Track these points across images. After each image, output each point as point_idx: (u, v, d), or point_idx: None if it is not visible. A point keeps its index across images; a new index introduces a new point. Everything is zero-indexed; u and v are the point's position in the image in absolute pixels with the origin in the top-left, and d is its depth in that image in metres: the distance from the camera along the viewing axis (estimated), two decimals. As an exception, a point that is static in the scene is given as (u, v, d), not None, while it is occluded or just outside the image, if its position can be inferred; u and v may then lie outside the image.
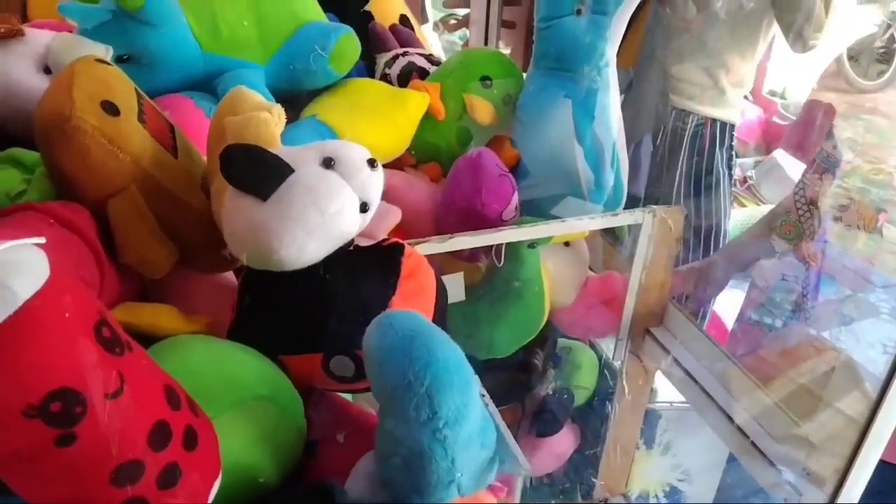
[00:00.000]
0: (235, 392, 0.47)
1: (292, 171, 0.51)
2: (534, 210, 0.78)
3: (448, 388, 0.41)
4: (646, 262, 0.79)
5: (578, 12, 0.76)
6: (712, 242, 1.49)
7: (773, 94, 3.58)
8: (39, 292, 0.31)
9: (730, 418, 0.74)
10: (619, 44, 0.79)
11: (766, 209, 3.01)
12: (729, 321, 1.69)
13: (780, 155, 3.15)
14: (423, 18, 1.57)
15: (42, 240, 0.33)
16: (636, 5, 0.77)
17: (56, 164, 0.50)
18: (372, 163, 0.54)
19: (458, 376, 0.42)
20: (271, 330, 0.53)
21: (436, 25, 2.06)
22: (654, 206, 0.76)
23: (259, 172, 0.51)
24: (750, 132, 3.44)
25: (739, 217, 3.04)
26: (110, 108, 0.51)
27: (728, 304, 1.49)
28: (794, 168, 3.07)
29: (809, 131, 1.31)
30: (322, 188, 0.51)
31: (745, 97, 3.47)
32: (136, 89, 0.56)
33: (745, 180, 3.25)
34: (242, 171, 0.50)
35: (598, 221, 0.75)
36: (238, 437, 0.45)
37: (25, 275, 0.31)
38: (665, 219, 0.77)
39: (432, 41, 1.53)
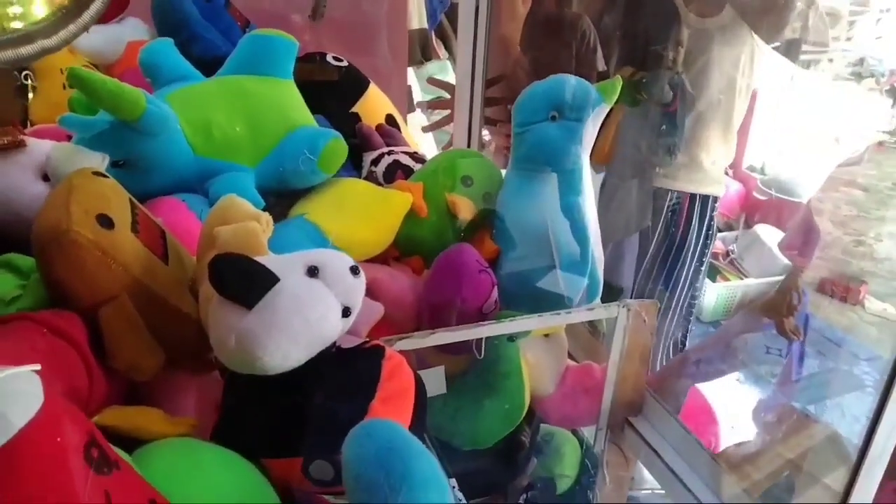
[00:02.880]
0: (222, 494, 0.48)
1: (278, 279, 0.53)
2: (517, 281, 0.81)
3: (422, 502, 0.42)
4: (622, 353, 0.81)
5: (553, 118, 0.81)
6: (682, 316, 1.52)
7: (752, 169, 3.69)
8: (33, 420, 0.33)
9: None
10: (592, 145, 0.84)
11: (749, 283, 3.06)
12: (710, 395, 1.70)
13: (762, 229, 3.23)
14: (409, 107, 1.64)
15: (37, 366, 0.35)
16: (608, 110, 0.82)
17: (51, 272, 0.53)
18: (355, 270, 0.57)
19: (433, 490, 0.43)
20: (253, 432, 0.55)
21: (420, 105, 2.14)
22: (628, 300, 0.79)
23: (245, 282, 0.53)
24: (731, 206, 3.53)
25: (723, 291, 3.09)
26: (105, 222, 0.54)
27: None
28: (775, 241, 3.14)
29: (811, 238, 1.33)
30: (306, 297, 0.53)
31: (725, 172, 3.57)
32: (130, 199, 0.59)
33: (727, 254, 3.31)
34: (229, 280, 0.53)
35: (574, 316, 0.78)
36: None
37: (20, 403, 0.33)
38: (639, 311, 0.80)
39: (419, 120, 1.59)
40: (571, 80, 0.81)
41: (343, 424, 0.49)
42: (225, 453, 0.52)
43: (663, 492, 0.93)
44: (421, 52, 1.77)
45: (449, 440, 0.81)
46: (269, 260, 0.56)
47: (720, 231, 3.42)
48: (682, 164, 1.40)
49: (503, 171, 0.88)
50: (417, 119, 1.61)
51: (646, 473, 0.95)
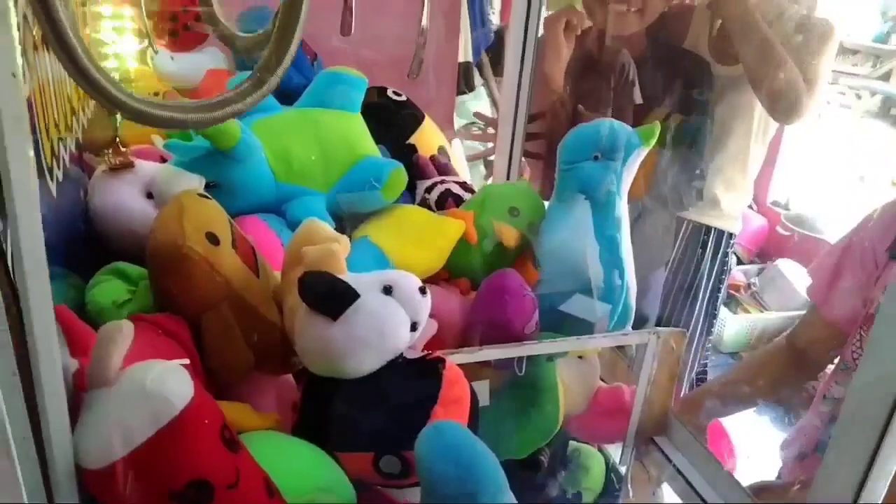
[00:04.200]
0: (304, 484, 0.56)
1: (358, 296, 0.61)
2: (554, 305, 0.88)
3: (487, 491, 0.50)
4: (650, 377, 0.88)
5: (596, 158, 0.89)
6: (699, 346, 1.59)
7: (776, 204, 3.73)
8: (189, 405, 0.41)
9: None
10: (630, 184, 0.91)
11: (769, 316, 3.09)
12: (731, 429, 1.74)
13: (784, 264, 3.27)
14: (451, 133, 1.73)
15: (186, 361, 0.44)
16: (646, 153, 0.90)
17: (164, 281, 0.61)
18: (423, 290, 0.65)
19: (496, 480, 0.51)
20: (330, 429, 0.62)
21: (458, 132, 2.24)
22: (659, 328, 0.86)
23: (331, 297, 0.61)
24: (754, 240, 3.58)
25: (744, 323, 3.13)
26: (213, 239, 0.62)
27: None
28: (796, 276, 3.18)
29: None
30: (382, 312, 0.61)
31: (750, 206, 3.62)
32: (229, 220, 0.67)
33: (748, 287, 3.35)
34: (318, 295, 0.61)
35: (608, 340, 0.85)
36: (306, 523, 0.54)
37: (178, 390, 0.41)
38: (667, 339, 0.87)
39: (457, 149, 1.68)
40: (614, 125, 0.89)
41: (410, 424, 0.57)
42: (307, 445, 0.60)
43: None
44: (465, 83, 1.86)
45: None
46: (350, 278, 0.64)
47: (742, 264, 3.47)
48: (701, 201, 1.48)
49: (546, 203, 0.96)
50: (455, 146, 1.70)
51: (667, 491, 1.01)
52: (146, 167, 0.73)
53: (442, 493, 0.51)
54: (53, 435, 0.37)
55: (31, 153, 0.34)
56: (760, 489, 1.13)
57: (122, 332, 0.41)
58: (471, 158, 1.48)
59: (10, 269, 0.35)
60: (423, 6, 0.87)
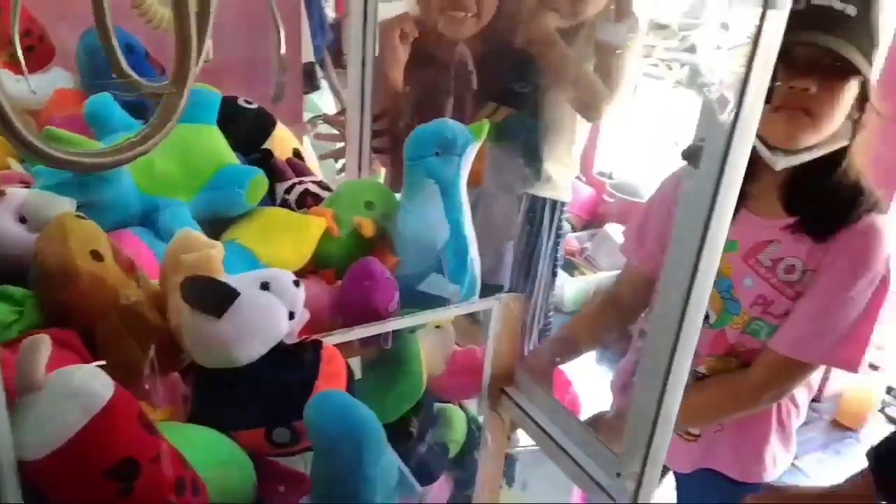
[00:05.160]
0: (207, 459, 0.64)
1: (238, 294, 0.70)
2: (412, 284, 1.00)
3: (371, 443, 0.61)
4: (496, 336, 1.03)
5: (437, 154, 1.02)
6: (543, 307, 1.81)
7: (602, 174, 4.12)
8: (112, 396, 0.49)
9: (571, 458, 0.98)
10: (468, 171, 1.05)
11: (601, 276, 3.43)
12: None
13: (611, 228, 3.64)
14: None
15: (103, 362, 0.51)
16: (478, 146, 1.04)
17: (55, 298, 0.66)
18: (297, 283, 0.74)
19: (376, 433, 0.62)
20: (224, 412, 0.71)
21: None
22: (500, 295, 1.01)
23: (213, 298, 0.69)
24: (584, 209, 3.94)
25: (580, 284, 3.46)
26: (97, 255, 0.68)
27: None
28: (621, 238, 3.56)
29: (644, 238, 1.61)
30: (263, 305, 0.70)
31: (579, 178, 3.96)
32: (105, 236, 0.73)
33: (582, 251, 3.70)
34: (201, 297, 0.69)
35: (459, 309, 0.99)
36: (214, 492, 0.62)
37: (104, 385, 0.49)
38: (508, 303, 1.02)
39: (308, 148, 1.76)
40: (451, 124, 1.02)
41: (296, 399, 0.67)
42: (203, 428, 0.68)
43: (537, 447, 1.15)
44: (309, 84, 1.93)
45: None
46: (229, 279, 0.72)
47: (575, 231, 3.82)
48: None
49: (397, 195, 1.08)
50: (306, 145, 1.78)
51: (521, 434, 1.18)
52: (17, 193, 0.76)
53: (331, 447, 0.62)
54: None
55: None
56: (595, 419, 1.34)
57: (45, 343, 0.48)
58: (323, 157, 1.56)
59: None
60: (275, 27, 0.94)
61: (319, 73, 2.49)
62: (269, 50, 1.34)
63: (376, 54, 1.31)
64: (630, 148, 4.31)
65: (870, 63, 1.07)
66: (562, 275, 3.51)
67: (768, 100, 0.65)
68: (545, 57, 1.52)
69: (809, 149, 1.11)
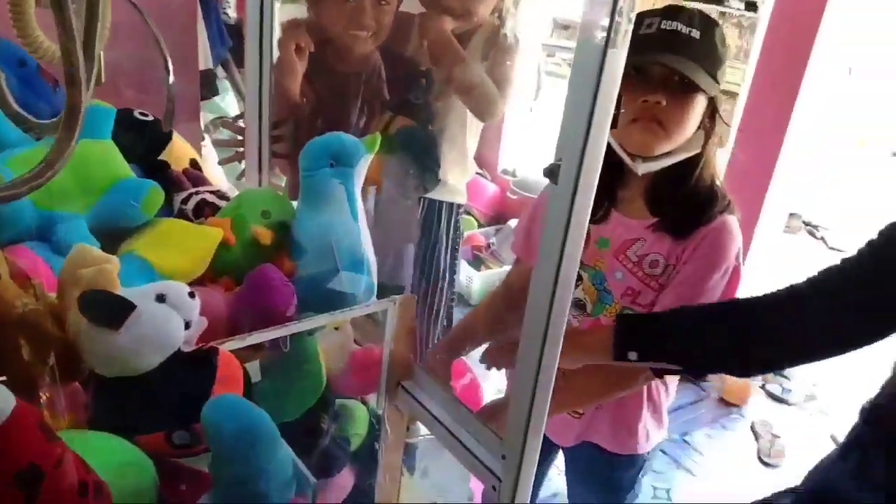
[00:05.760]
0: (109, 461, 0.68)
1: (134, 307, 0.74)
2: (311, 288, 1.05)
3: (266, 440, 0.67)
4: (393, 335, 1.10)
5: (332, 165, 1.07)
6: (445, 303, 1.90)
7: (506, 172, 4.26)
8: (14, 407, 0.52)
9: (462, 444, 1.06)
10: (362, 182, 1.12)
11: (506, 269, 3.56)
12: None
13: (514, 223, 3.79)
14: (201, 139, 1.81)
15: (3, 378, 0.54)
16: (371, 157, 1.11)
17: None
18: (192, 294, 0.79)
19: (270, 431, 0.68)
20: (125, 418, 0.75)
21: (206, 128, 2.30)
22: (395, 297, 1.08)
23: (111, 311, 0.73)
24: (490, 205, 4.07)
25: (487, 278, 3.59)
26: (-9, 272, 0.70)
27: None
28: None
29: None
30: (159, 317, 0.75)
31: (484, 176, 4.07)
32: (0, 252, 0.75)
33: (488, 246, 3.83)
34: (98, 311, 0.73)
35: (355, 312, 1.05)
36: (118, 494, 0.66)
37: (6, 398, 0.52)
38: (402, 303, 1.09)
39: (211, 154, 1.77)
40: (343, 137, 1.08)
41: (194, 402, 0.72)
42: (105, 435, 0.72)
43: (433, 437, 1.23)
44: (208, 91, 1.93)
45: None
46: (125, 292, 0.76)
47: (482, 227, 3.95)
48: None
49: (294, 203, 1.13)
50: (210, 150, 1.79)
51: (419, 425, 1.26)
52: None
53: (227, 446, 0.67)
54: None
55: None
56: (492, 406, 1.44)
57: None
58: (222, 162, 1.58)
59: None
60: (162, 55, 0.97)
61: (223, 73, 2.48)
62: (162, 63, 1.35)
63: (274, 61, 1.36)
64: (532, 146, 4.47)
65: (715, 79, 1.22)
66: (469, 269, 3.63)
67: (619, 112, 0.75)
68: (440, 59, 1.60)
69: (665, 155, 1.25)
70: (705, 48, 1.21)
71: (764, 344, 1.14)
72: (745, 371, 1.40)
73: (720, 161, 1.34)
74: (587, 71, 0.72)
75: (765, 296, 1.14)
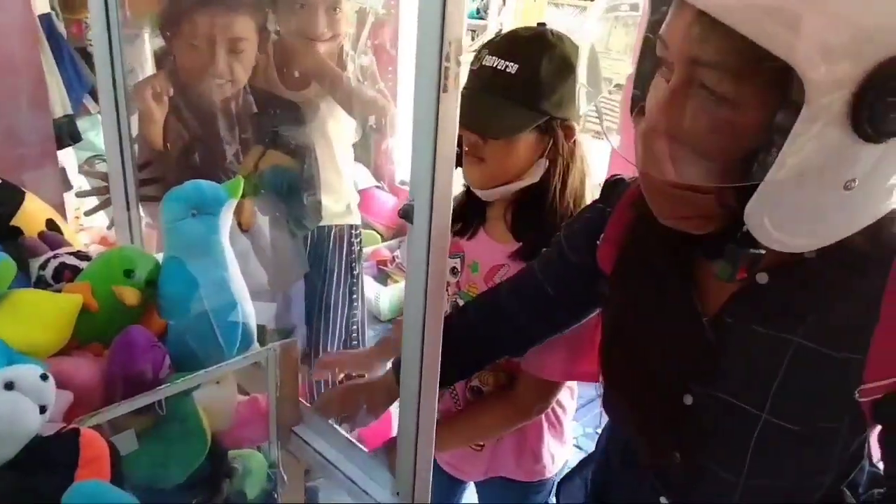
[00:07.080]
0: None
1: (-24, 403, 0.70)
2: (184, 345, 1.02)
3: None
4: (277, 382, 1.09)
5: (193, 215, 1.04)
6: (346, 328, 1.89)
7: (403, 183, 4.27)
8: None
9: (357, 486, 1.05)
10: (228, 228, 1.09)
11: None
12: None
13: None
14: (66, 187, 1.73)
15: None
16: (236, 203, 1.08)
17: None
18: (44, 376, 0.75)
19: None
20: (-22, 519, 0.70)
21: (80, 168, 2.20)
22: (273, 343, 1.06)
23: (-50, 407, 0.68)
24: (391, 218, 4.06)
25: (395, 292, 3.58)
26: None
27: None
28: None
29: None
30: (7, 408, 0.71)
31: (382, 188, 4.07)
32: None
33: (393, 259, 3.82)
34: (-64, 409, 0.68)
35: (233, 364, 1.03)
36: None
37: None
38: (284, 349, 1.08)
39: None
40: (203, 185, 1.05)
41: (56, 492, 0.68)
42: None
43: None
44: (69, 137, 1.84)
45: (153, 483, 1.01)
46: (-32, 384, 0.71)
47: (385, 241, 3.94)
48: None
49: (159, 257, 1.09)
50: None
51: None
52: None
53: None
54: None
55: None
56: (393, 440, 1.43)
57: None
58: (88, 213, 1.51)
59: None
60: None
61: (93, 108, 2.37)
62: (11, 117, 1.28)
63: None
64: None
65: (539, 110, 1.21)
66: (376, 285, 3.61)
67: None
68: (322, 81, 1.60)
69: (501, 185, 1.27)
70: (524, 80, 1.19)
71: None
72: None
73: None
74: (425, 114, 0.73)
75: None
